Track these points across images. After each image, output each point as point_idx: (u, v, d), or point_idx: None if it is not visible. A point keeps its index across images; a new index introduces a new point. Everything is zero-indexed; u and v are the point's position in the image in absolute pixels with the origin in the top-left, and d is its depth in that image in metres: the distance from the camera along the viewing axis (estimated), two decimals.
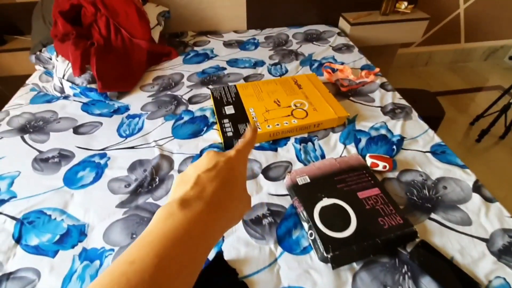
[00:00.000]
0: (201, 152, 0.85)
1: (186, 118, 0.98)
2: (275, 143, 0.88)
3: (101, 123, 0.96)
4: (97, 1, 1.19)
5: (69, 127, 0.95)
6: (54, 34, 1.19)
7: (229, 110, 0.95)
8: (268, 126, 0.87)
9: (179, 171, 0.79)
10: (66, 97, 1.10)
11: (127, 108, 1.04)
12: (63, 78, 1.08)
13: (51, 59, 1.19)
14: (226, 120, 0.90)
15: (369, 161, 0.78)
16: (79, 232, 0.65)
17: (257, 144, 0.87)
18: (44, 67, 1.23)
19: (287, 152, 0.85)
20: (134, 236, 0.63)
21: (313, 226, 0.62)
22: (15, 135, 0.92)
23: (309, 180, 0.72)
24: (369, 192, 0.69)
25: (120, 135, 0.91)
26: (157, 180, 0.76)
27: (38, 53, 1.22)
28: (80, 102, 1.07)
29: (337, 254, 0.58)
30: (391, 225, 0.63)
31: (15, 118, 1.00)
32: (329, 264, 0.57)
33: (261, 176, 0.77)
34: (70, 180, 0.77)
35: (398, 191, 0.74)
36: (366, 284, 0.56)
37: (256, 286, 0.56)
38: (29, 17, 1.33)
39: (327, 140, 0.89)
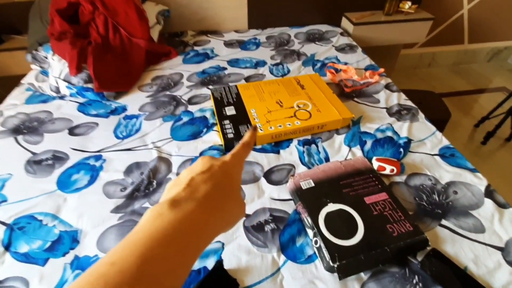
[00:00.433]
0: (201, 154, 0.82)
1: (185, 119, 0.95)
2: (277, 145, 0.85)
3: (97, 124, 0.93)
4: None
5: (64, 128, 0.92)
6: (50, 33, 1.16)
7: (230, 111, 0.91)
8: (270, 127, 0.84)
9: (178, 174, 0.75)
10: (62, 97, 1.07)
11: (124, 109, 1.00)
12: (59, 77, 1.05)
13: (47, 58, 1.16)
14: (226, 121, 0.87)
15: (375, 164, 0.75)
16: (71, 238, 0.62)
17: (259, 146, 0.84)
18: (40, 67, 1.20)
19: (290, 154, 0.82)
20: None
21: (318, 233, 0.59)
22: (8, 136, 0.89)
23: (313, 184, 0.69)
24: (376, 197, 0.66)
25: (117, 137, 0.88)
26: (154, 183, 0.73)
27: (34, 52, 1.20)
28: (76, 102, 1.04)
29: (344, 264, 0.54)
30: (400, 232, 0.60)
31: (9, 118, 0.97)
32: (336, 274, 0.54)
33: (263, 180, 0.74)
34: (64, 184, 0.74)
35: (407, 196, 0.70)
36: None
37: None
38: (27, 16, 1.30)
39: (331, 142, 0.86)
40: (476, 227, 0.63)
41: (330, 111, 0.90)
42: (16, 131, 0.91)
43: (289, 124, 0.85)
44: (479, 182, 0.72)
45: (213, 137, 0.87)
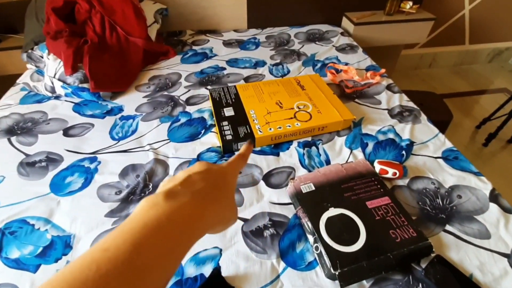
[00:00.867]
0: (199, 156, 0.80)
1: (183, 120, 0.93)
2: (277, 147, 0.83)
3: (92, 125, 0.91)
4: None
5: (59, 128, 0.90)
6: (46, 31, 1.14)
7: (229, 112, 0.89)
8: (270, 129, 0.82)
9: None
10: (57, 97, 1.05)
11: (120, 109, 0.98)
12: (54, 77, 1.03)
13: (42, 57, 1.14)
14: (225, 123, 0.85)
15: (377, 167, 0.73)
16: (64, 244, 0.60)
17: (258, 148, 0.82)
18: (35, 66, 1.18)
19: (290, 157, 0.80)
20: None
21: (319, 238, 0.57)
22: (2, 137, 0.87)
23: (314, 188, 0.67)
24: (378, 202, 0.64)
25: (113, 138, 0.86)
26: (150, 186, 0.71)
27: (30, 51, 1.17)
28: (72, 102, 1.02)
29: (346, 271, 0.53)
30: (403, 238, 0.58)
31: (3, 119, 0.95)
32: (337, 282, 0.52)
33: (262, 183, 0.72)
34: (57, 186, 0.71)
35: (410, 200, 0.68)
36: None
37: None
38: (24, 15, 1.28)
39: (332, 144, 0.84)
40: (481, 232, 0.61)
41: (331, 112, 0.88)
42: (10, 131, 0.89)
43: (289, 126, 0.83)
44: (484, 186, 0.71)
45: (211, 139, 0.85)
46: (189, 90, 1.08)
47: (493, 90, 2.08)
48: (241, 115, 0.88)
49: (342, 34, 1.50)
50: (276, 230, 0.62)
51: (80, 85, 1.01)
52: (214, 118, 0.88)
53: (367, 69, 1.19)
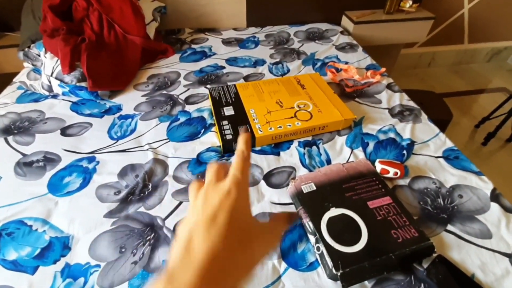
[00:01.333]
0: (198, 155, 0.79)
1: (182, 119, 0.92)
2: (277, 146, 0.82)
3: (90, 124, 0.90)
4: None
5: (56, 128, 0.89)
6: (43, 29, 1.13)
7: (229, 111, 0.89)
8: (270, 128, 0.82)
9: (174, 177, 0.73)
10: (54, 96, 1.04)
11: (119, 108, 0.97)
12: (51, 75, 1.01)
13: (39, 55, 1.13)
14: (225, 122, 0.84)
15: (379, 167, 0.73)
16: (62, 245, 0.59)
17: (258, 148, 0.81)
18: (32, 64, 1.16)
19: (290, 156, 0.79)
20: (123, 250, 0.57)
21: (321, 239, 0.57)
22: None
23: (315, 188, 0.67)
24: (380, 201, 0.64)
25: (111, 137, 0.85)
26: (149, 186, 0.70)
27: (26, 49, 1.16)
28: (69, 101, 1.01)
29: (348, 272, 0.52)
30: (405, 238, 0.57)
31: (0, 118, 0.93)
32: (339, 282, 0.52)
33: (262, 183, 0.72)
34: (55, 187, 0.70)
35: (411, 200, 0.68)
36: None
37: None
38: (20, 12, 1.26)
39: (333, 143, 0.84)
40: (482, 232, 0.61)
41: (332, 111, 0.88)
42: (7, 131, 0.88)
43: (290, 125, 0.83)
44: (485, 186, 0.70)
45: (211, 138, 0.85)
46: (188, 89, 1.07)
47: (491, 89, 2.08)
48: (241, 114, 0.87)
49: (342, 33, 1.49)
50: None
51: (77, 84, 0.99)
52: (214, 118, 0.87)
53: (367, 68, 1.19)
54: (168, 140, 0.84)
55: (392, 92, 1.05)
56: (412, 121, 0.91)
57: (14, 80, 1.14)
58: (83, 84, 1.00)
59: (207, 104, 0.98)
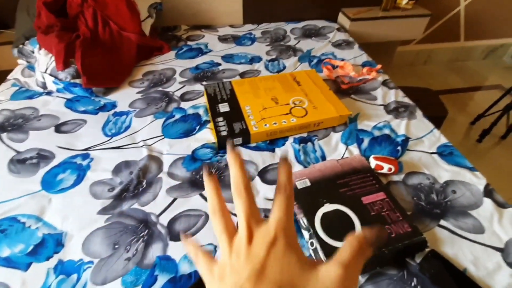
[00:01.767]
0: (193, 152, 0.79)
1: (177, 116, 0.92)
2: (272, 143, 0.82)
3: (85, 121, 0.90)
4: None
5: (50, 125, 0.88)
6: (37, 26, 1.12)
7: (224, 108, 0.89)
8: (265, 125, 0.82)
9: (169, 174, 0.73)
10: (48, 93, 1.03)
11: (114, 105, 0.97)
12: (45, 72, 1.01)
13: (33, 52, 1.12)
14: (220, 119, 0.84)
15: (373, 163, 0.73)
16: (56, 242, 0.59)
17: (253, 144, 0.81)
18: (27, 61, 1.15)
19: (285, 152, 0.79)
20: (116, 246, 0.57)
21: (314, 234, 0.57)
22: None
23: (309, 184, 0.67)
24: (374, 197, 0.64)
25: (105, 134, 0.85)
26: (144, 183, 0.70)
27: (20, 46, 1.15)
28: (64, 98, 1.00)
29: None
30: (398, 233, 0.58)
31: None
32: None
33: (257, 179, 0.72)
34: (49, 184, 0.70)
35: (405, 196, 0.68)
36: None
37: None
38: (15, 9, 1.25)
39: (328, 140, 0.84)
40: (475, 227, 0.62)
41: (327, 108, 0.88)
42: (0, 128, 0.87)
43: (285, 122, 0.83)
44: (478, 181, 0.71)
45: (206, 135, 0.84)
46: (184, 86, 1.06)
47: (487, 86, 2.09)
48: (236, 111, 0.87)
49: (338, 29, 1.49)
50: None
51: (72, 81, 0.99)
52: (209, 114, 0.87)
53: (363, 65, 1.19)
54: (163, 137, 0.84)
55: (388, 88, 1.05)
56: (407, 118, 0.91)
57: (8, 77, 1.13)
58: (77, 81, 0.99)
59: (203, 101, 0.98)
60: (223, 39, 1.42)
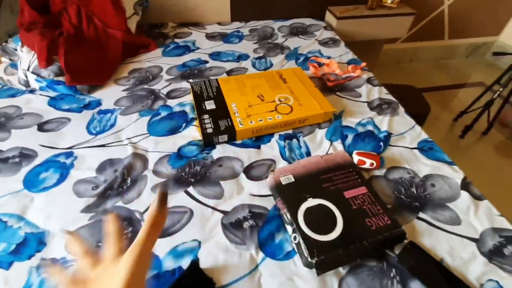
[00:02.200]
0: (179, 149, 0.79)
1: (163, 113, 0.91)
2: (258, 140, 0.83)
3: (69, 119, 0.88)
4: None
5: (33, 123, 0.87)
6: (20, 23, 1.09)
7: (210, 105, 0.89)
8: (251, 122, 0.82)
9: (154, 171, 0.73)
10: (32, 91, 1.01)
11: (98, 103, 0.96)
12: (27, 70, 0.99)
13: (16, 50, 1.09)
14: (206, 116, 0.84)
15: (356, 158, 0.74)
16: (38, 241, 0.58)
17: (239, 141, 0.82)
18: (10, 59, 1.13)
19: (271, 149, 0.80)
20: (99, 244, 0.57)
21: (297, 229, 0.58)
22: None
23: (293, 179, 0.68)
24: (356, 191, 0.66)
25: (90, 132, 0.84)
26: (128, 181, 0.70)
27: (3, 44, 1.13)
28: (47, 96, 0.99)
29: (323, 259, 0.54)
30: (378, 226, 0.59)
31: None
32: (314, 270, 0.53)
33: (242, 176, 0.72)
34: (31, 183, 0.69)
35: (386, 190, 0.70)
36: None
37: None
38: None
39: (313, 136, 0.85)
40: (452, 219, 0.64)
41: (312, 105, 0.89)
42: None
43: (270, 118, 0.84)
44: (456, 175, 0.73)
45: (193, 132, 0.84)
46: (170, 84, 1.06)
47: (470, 84, 2.15)
48: (222, 108, 0.87)
49: (325, 28, 1.51)
50: (256, 221, 0.62)
51: (55, 78, 0.97)
52: (195, 111, 0.87)
53: (349, 63, 1.21)
54: (148, 134, 0.84)
55: (372, 86, 1.07)
56: (390, 114, 0.93)
57: None
58: (61, 78, 0.97)
59: (190, 98, 0.98)
60: (210, 36, 1.41)
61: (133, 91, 1.01)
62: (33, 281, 0.53)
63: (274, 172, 0.70)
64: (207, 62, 1.20)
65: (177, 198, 0.66)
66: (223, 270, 0.54)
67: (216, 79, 1.00)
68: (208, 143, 0.80)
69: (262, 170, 0.74)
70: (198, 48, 1.30)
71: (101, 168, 0.73)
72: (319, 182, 0.68)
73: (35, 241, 0.58)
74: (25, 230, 0.60)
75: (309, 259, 0.53)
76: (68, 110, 0.92)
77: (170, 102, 0.96)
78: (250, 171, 0.74)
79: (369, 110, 0.95)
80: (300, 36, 1.43)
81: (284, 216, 0.62)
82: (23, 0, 1.07)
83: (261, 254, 0.57)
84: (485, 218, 0.64)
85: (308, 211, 0.61)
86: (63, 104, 0.95)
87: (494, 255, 0.57)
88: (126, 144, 0.79)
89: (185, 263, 0.55)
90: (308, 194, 0.65)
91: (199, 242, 0.58)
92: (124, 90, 1.02)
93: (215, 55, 1.25)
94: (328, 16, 1.64)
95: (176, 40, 1.37)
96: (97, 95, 1.00)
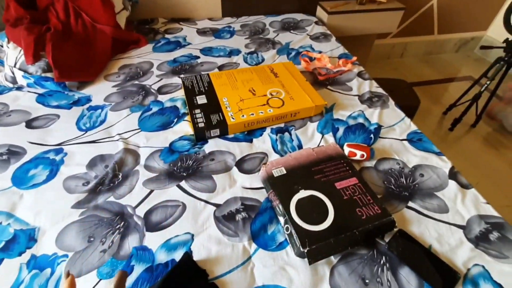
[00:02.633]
0: (171, 145, 0.79)
1: (155, 109, 0.91)
2: (250, 133, 0.83)
3: (58, 116, 0.87)
4: None
5: (21, 120, 0.85)
6: (6, 19, 1.07)
7: (201, 100, 0.89)
8: (243, 116, 0.82)
9: (146, 166, 0.72)
10: (19, 88, 0.99)
11: (88, 99, 0.95)
12: (14, 66, 0.97)
13: (2, 46, 1.07)
14: (197, 111, 0.84)
15: (346, 150, 0.75)
16: (28, 237, 0.57)
17: (231, 136, 0.82)
18: None
19: (263, 143, 0.81)
20: (91, 239, 0.57)
21: (289, 220, 0.59)
22: None
23: (285, 172, 0.69)
24: (346, 182, 0.67)
25: (80, 129, 0.83)
26: (120, 176, 0.69)
27: None
28: (36, 93, 0.97)
29: (314, 249, 0.54)
30: (369, 215, 0.61)
31: None
32: (306, 259, 0.54)
33: (235, 169, 0.73)
34: (20, 180, 0.68)
35: (376, 180, 0.72)
36: (344, 278, 0.53)
37: (228, 287, 0.51)
38: None
39: (305, 130, 0.86)
40: (440, 207, 0.65)
41: (303, 98, 0.90)
42: None
43: (262, 112, 0.84)
44: (444, 165, 0.75)
45: (184, 127, 0.84)
46: (161, 79, 1.05)
47: (459, 78, 2.18)
48: (214, 103, 0.87)
49: (316, 23, 1.51)
50: (248, 213, 0.63)
51: (43, 75, 0.96)
52: (187, 106, 0.87)
53: (340, 57, 1.22)
54: (139, 130, 0.83)
55: (363, 79, 1.08)
56: (380, 107, 0.94)
57: None
58: (49, 74, 0.96)
59: (181, 93, 0.97)
60: (202, 32, 1.40)
61: (124, 87, 1.00)
62: (23, 277, 0.52)
63: (266, 165, 0.70)
64: (198, 57, 1.20)
65: (169, 193, 0.66)
66: (216, 261, 0.55)
67: (208, 74, 0.99)
68: (200, 137, 0.80)
69: (255, 164, 0.74)
70: (189, 44, 1.29)
71: (91, 164, 0.72)
72: (310, 174, 0.68)
73: (25, 238, 0.57)
74: (14, 227, 0.59)
75: (301, 249, 0.54)
76: (57, 107, 0.91)
77: (161, 98, 0.96)
78: (242, 165, 0.74)
79: (359, 103, 0.96)
80: (292, 31, 1.44)
81: (277, 208, 0.63)
82: None
83: (253, 245, 0.58)
84: (471, 205, 0.65)
85: (300, 202, 0.62)
86: (52, 100, 0.94)
87: (480, 241, 0.59)
88: (117, 140, 0.79)
89: (178, 256, 0.55)
90: (300, 186, 0.65)
91: (192, 235, 0.58)
92: (114, 86, 1.01)
93: (207, 51, 1.24)
94: (319, 11, 1.64)
95: (167, 35, 1.36)
96: (86, 91, 0.98)
